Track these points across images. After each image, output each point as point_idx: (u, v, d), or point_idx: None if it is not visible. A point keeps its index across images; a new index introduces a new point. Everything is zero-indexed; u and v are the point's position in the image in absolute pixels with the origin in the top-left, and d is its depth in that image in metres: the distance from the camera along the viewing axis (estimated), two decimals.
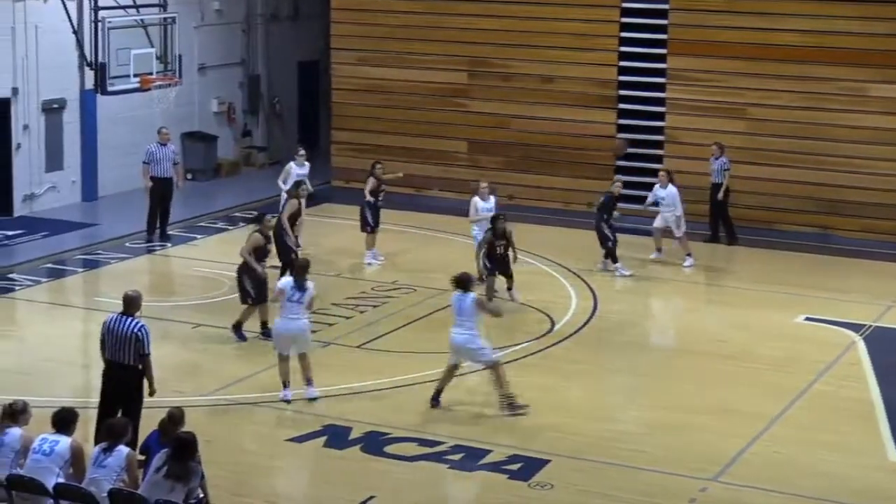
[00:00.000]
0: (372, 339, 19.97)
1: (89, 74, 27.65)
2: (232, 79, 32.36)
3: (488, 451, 15.64)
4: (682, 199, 24.32)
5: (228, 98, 32.18)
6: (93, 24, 27.17)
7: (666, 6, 27.70)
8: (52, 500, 12.26)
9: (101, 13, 27.01)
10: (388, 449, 15.71)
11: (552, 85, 28.55)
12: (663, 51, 27.82)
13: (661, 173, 24.83)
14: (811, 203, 26.86)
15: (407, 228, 26.63)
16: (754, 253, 25.68)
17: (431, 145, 29.53)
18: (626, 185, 24.97)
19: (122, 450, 12.43)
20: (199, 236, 26.09)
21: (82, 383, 17.81)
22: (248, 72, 32.76)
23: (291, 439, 16.08)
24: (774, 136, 26.87)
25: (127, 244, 25.30)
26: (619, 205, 23.97)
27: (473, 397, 17.44)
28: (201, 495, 12.47)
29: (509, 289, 21.56)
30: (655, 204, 24.46)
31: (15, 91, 26.83)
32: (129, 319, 14.79)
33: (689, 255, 24.34)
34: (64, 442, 12.53)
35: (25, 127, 27.11)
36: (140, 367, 14.74)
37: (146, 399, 14.78)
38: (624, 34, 28.12)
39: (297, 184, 23.30)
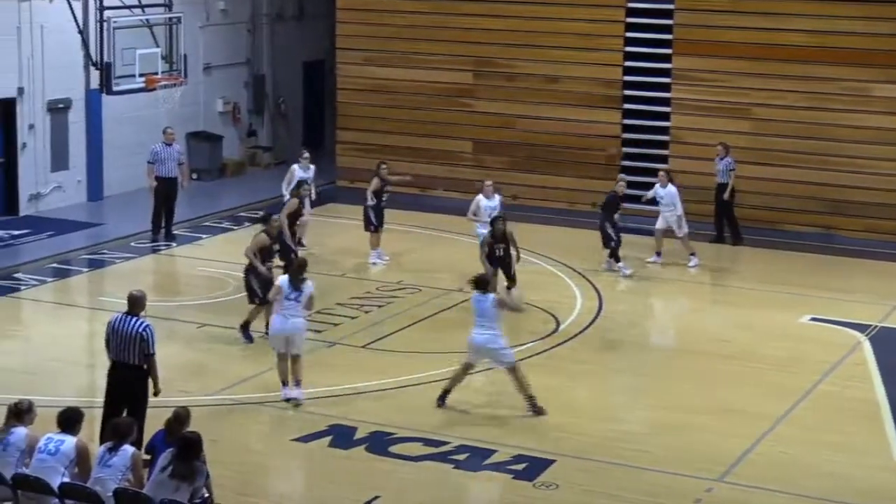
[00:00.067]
0: (377, 339, 19.97)
1: (95, 74, 27.62)
2: (237, 79, 32.37)
3: (493, 451, 15.64)
4: (682, 199, 24.29)
5: (234, 98, 32.18)
6: (98, 24, 27.08)
7: (671, 6, 27.70)
8: (57, 500, 12.25)
9: (107, 13, 26.94)
10: (394, 449, 15.70)
11: (557, 85, 28.55)
12: (668, 51, 27.82)
13: (660, 173, 24.78)
14: (815, 203, 26.85)
15: (412, 228, 26.63)
16: (758, 253, 25.66)
17: (436, 145, 29.53)
18: (631, 185, 24.98)
19: (128, 449, 12.43)
20: (204, 236, 26.10)
21: (87, 383, 17.85)
22: (253, 72, 32.76)
23: (297, 439, 16.08)
24: (779, 136, 26.86)
25: (132, 244, 25.29)
26: (624, 205, 23.98)
27: (479, 397, 17.45)
28: (206, 495, 12.45)
29: (509, 289, 21.55)
30: (653, 201, 24.42)
31: (20, 91, 26.83)
32: (134, 319, 14.79)
33: (692, 254, 24.31)
34: (69, 441, 12.52)
35: (31, 127, 27.12)
36: (145, 366, 14.75)
37: (151, 399, 14.79)
38: (629, 34, 28.12)
39: (300, 184, 23.32)
